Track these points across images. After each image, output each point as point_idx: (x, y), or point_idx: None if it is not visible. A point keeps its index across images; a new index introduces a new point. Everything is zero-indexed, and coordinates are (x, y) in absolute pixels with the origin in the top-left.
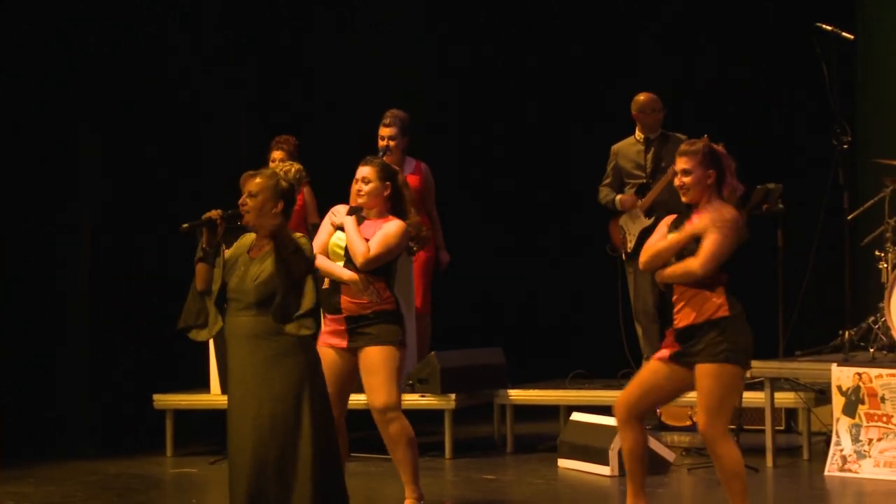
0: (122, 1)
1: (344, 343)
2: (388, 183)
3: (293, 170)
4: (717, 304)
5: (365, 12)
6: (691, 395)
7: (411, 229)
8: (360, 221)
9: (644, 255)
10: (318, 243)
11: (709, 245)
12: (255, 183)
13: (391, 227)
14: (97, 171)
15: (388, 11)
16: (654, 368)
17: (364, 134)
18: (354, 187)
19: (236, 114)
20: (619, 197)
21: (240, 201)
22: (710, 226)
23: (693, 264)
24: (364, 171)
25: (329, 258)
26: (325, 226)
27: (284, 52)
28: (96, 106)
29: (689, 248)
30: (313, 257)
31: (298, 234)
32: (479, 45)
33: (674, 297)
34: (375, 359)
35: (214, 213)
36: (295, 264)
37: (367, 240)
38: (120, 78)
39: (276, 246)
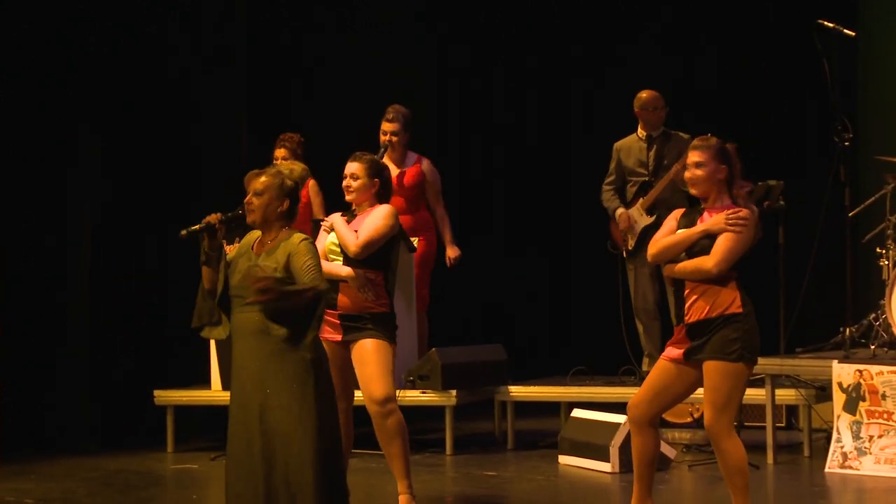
0: (122, 1)
1: (339, 336)
2: (376, 179)
3: (298, 169)
4: (730, 298)
5: (365, 12)
6: (694, 393)
7: None
8: (350, 218)
9: (652, 249)
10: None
11: (724, 243)
12: (260, 182)
13: (378, 211)
14: (97, 171)
15: (388, 11)
16: (664, 370)
17: (364, 134)
18: (344, 183)
19: (236, 114)
20: (619, 211)
21: (245, 200)
22: (724, 224)
23: (707, 263)
24: (353, 167)
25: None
26: (321, 235)
27: (284, 52)
28: (96, 106)
29: (699, 244)
30: (319, 266)
31: (302, 236)
32: (479, 45)
33: (685, 292)
34: (370, 350)
35: (213, 218)
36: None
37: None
38: (120, 78)
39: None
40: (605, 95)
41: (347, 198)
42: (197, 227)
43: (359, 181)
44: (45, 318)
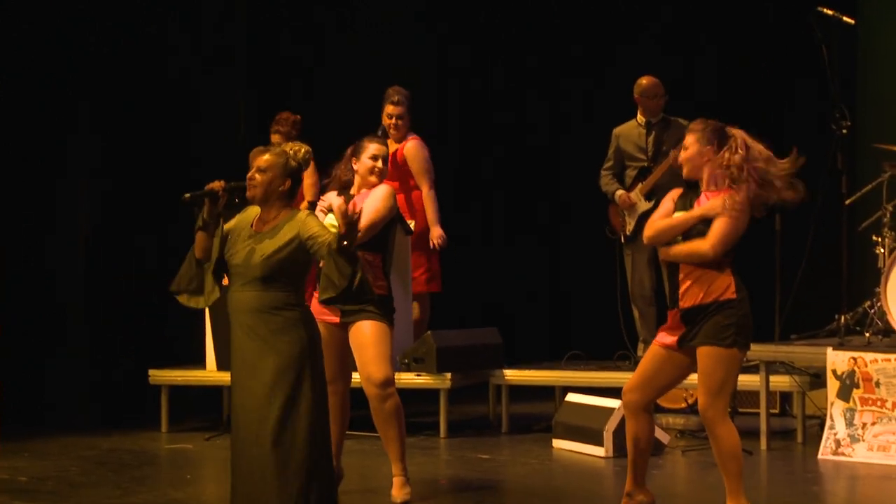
0: (122, 1)
1: (336, 318)
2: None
3: (302, 151)
4: (724, 284)
5: (365, 12)
6: (687, 378)
7: None
8: (348, 199)
9: (648, 231)
10: None
11: (720, 227)
12: (264, 159)
13: (377, 193)
14: (97, 171)
15: (388, 11)
16: (657, 355)
17: (364, 133)
18: (369, 164)
19: (236, 114)
20: (619, 192)
21: (248, 175)
22: (720, 208)
23: (703, 246)
24: (382, 149)
25: None
26: (318, 215)
27: (284, 52)
28: (96, 106)
29: (696, 228)
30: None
31: (307, 212)
32: (479, 45)
33: (680, 276)
34: (369, 332)
35: (217, 185)
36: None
37: None
38: (120, 78)
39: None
40: (605, 95)
41: (373, 179)
42: (200, 192)
43: (384, 164)
44: (45, 318)
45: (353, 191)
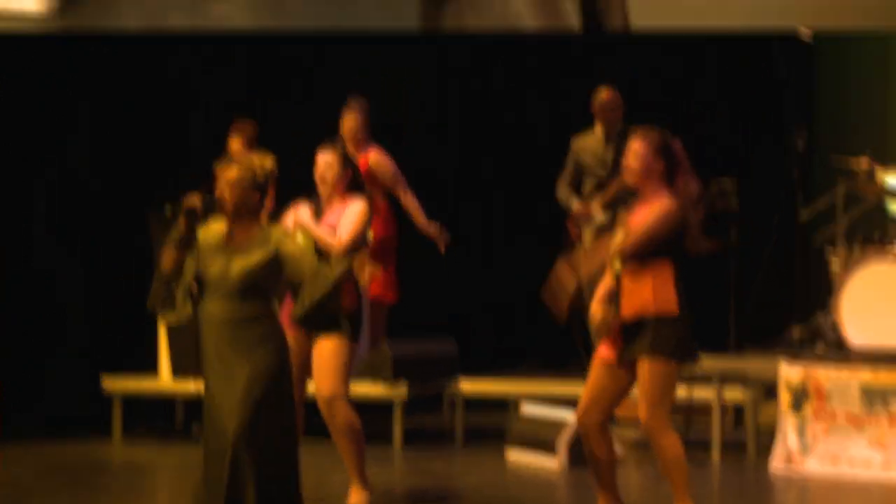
0: None
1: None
2: (347, 170)
3: (269, 162)
4: (666, 296)
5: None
6: None
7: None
8: (318, 210)
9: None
10: None
11: (637, 230)
12: (232, 173)
13: (355, 208)
14: (97, 172)
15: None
16: (601, 372)
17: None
18: (317, 177)
19: (235, 114)
20: (575, 204)
21: (216, 191)
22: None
23: (623, 251)
24: (327, 158)
25: None
26: (289, 224)
27: (284, 52)
28: (96, 105)
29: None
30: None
31: (282, 229)
32: (479, 45)
33: (623, 282)
34: (327, 348)
35: (195, 202)
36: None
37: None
38: (120, 78)
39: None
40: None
41: (323, 190)
42: (181, 209)
43: (334, 172)
44: (45, 317)
45: (324, 203)
